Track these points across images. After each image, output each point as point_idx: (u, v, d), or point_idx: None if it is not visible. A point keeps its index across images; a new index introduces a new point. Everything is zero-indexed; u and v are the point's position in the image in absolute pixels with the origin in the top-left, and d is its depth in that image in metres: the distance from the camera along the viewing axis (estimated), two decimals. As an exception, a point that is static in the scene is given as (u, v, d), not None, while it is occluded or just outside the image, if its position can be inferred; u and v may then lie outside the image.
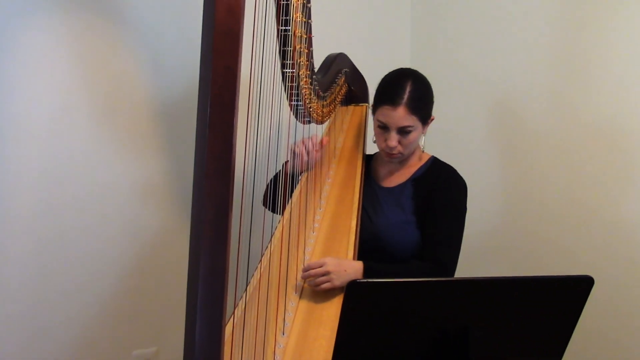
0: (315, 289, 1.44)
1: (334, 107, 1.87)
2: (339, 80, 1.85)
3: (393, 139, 1.62)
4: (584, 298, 1.00)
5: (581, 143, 2.00)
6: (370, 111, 2.02)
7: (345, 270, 1.46)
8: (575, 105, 2.02)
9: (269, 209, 1.73)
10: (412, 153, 1.72)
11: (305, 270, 1.45)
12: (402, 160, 1.72)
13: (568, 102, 2.04)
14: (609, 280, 1.89)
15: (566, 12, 2.05)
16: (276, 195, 1.71)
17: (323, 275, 1.43)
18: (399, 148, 1.64)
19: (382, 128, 1.64)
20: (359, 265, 1.50)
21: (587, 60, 1.97)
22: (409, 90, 1.60)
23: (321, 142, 1.76)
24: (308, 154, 1.73)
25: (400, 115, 1.59)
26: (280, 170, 1.73)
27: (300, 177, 1.77)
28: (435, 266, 1.56)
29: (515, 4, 2.22)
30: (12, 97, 1.77)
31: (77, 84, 1.89)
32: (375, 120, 1.67)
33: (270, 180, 1.75)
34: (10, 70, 1.77)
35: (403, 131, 1.61)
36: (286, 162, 1.74)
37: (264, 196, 1.78)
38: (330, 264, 1.44)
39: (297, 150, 1.72)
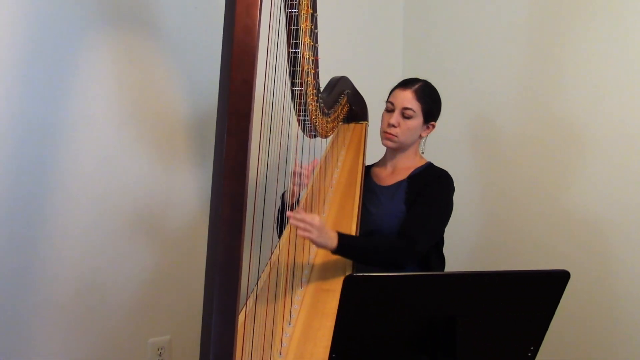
0: (298, 233, 1.38)
1: (337, 123, 1.89)
2: (341, 100, 1.86)
3: (395, 117, 1.68)
4: (561, 290, 1.00)
5: (557, 145, 2.01)
6: (369, 128, 2.06)
7: (327, 233, 1.41)
8: (551, 111, 2.03)
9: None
10: (409, 151, 1.74)
11: (296, 216, 1.38)
12: (398, 153, 1.74)
13: (544, 108, 2.05)
14: (584, 273, 1.89)
15: (541, 28, 2.06)
16: (284, 224, 1.63)
17: (309, 226, 1.37)
18: (397, 129, 1.67)
19: (389, 111, 1.71)
20: (334, 238, 1.42)
21: (562, 71, 1.99)
22: (421, 84, 1.70)
23: (312, 163, 1.69)
24: (299, 184, 1.66)
25: (407, 96, 1.67)
26: (280, 206, 1.70)
27: (298, 204, 1.70)
28: (403, 240, 1.54)
29: (496, 23, 2.25)
30: (43, 107, 1.80)
31: (107, 95, 1.91)
32: (386, 104, 1.73)
33: (277, 213, 1.70)
34: (47, 83, 1.79)
35: (404, 115, 1.67)
36: (283, 194, 1.72)
37: (275, 225, 1.72)
38: (319, 222, 1.38)
39: (292, 187, 1.65)
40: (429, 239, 1.60)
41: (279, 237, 1.68)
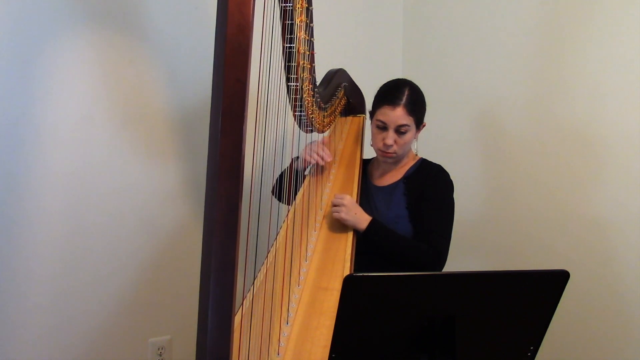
0: (333, 215, 1.60)
1: (334, 117, 1.88)
2: (338, 94, 1.85)
3: (390, 137, 1.64)
4: (560, 290, 1.00)
5: (558, 146, 2.01)
6: (367, 122, 2.05)
7: (355, 213, 1.59)
8: (552, 112, 2.03)
9: (275, 197, 1.76)
10: (405, 155, 1.73)
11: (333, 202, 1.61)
12: (396, 161, 1.73)
13: (545, 109, 2.05)
14: (584, 273, 1.90)
15: (543, 28, 2.06)
16: (282, 186, 1.74)
17: (339, 205, 1.58)
18: (395, 147, 1.65)
19: (380, 128, 1.66)
20: (367, 217, 1.59)
21: (563, 71, 1.99)
22: (407, 94, 1.64)
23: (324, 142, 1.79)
24: (322, 158, 1.75)
25: (398, 114, 1.62)
26: (288, 166, 1.75)
27: (304, 173, 1.79)
28: (430, 249, 1.58)
29: (497, 23, 2.24)
30: (40, 108, 1.79)
31: (98, 95, 1.90)
32: (374, 121, 1.68)
33: (279, 176, 1.77)
34: (39, 83, 1.79)
35: (399, 131, 1.64)
36: (294, 159, 1.75)
37: (273, 187, 1.80)
38: (348, 201, 1.59)
39: (308, 158, 1.73)
40: (449, 244, 1.63)
41: (279, 200, 1.74)
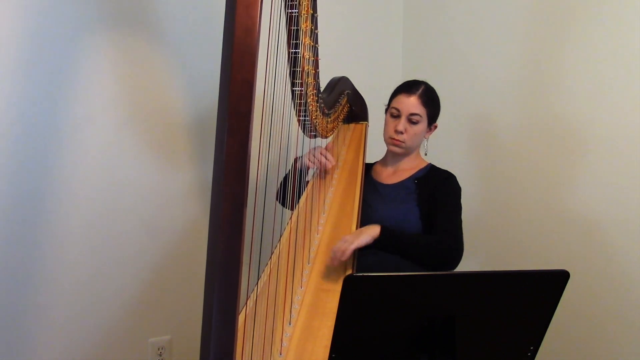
0: (342, 259, 1.44)
1: (337, 124, 1.89)
2: (342, 100, 1.87)
3: (402, 124, 1.68)
4: (560, 290, 1.00)
5: (557, 146, 2.01)
6: (369, 129, 2.07)
7: (361, 232, 1.49)
8: (552, 111, 2.03)
9: (280, 203, 1.77)
10: (413, 153, 1.75)
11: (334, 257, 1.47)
12: (402, 156, 1.75)
13: (545, 108, 2.06)
14: (583, 273, 1.89)
15: (542, 26, 2.08)
16: (286, 191, 1.75)
17: (344, 249, 1.44)
18: (405, 136, 1.68)
19: (394, 116, 1.70)
20: (375, 226, 1.51)
21: (561, 69, 2.00)
22: (423, 89, 1.70)
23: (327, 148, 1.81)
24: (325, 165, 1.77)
25: (413, 102, 1.67)
26: (290, 170, 1.76)
27: (307, 173, 1.80)
28: (447, 236, 1.57)
29: (497, 23, 2.26)
30: (42, 108, 1.80)
31: (107, 96, 1.92)
32: (389, 110, 1.73)
33: (282, 180, 1.79)
34: (48, 84, 1.80)
35: (411, 120, 1.67)
36: (296, 159, 1.76)
37: (277, 192, 1.81)
38: (348, 236, 1.48)
39: (311, 164, 1.75)
40: (462, 238, 1.63)
41: (282, 205, 1.74)
